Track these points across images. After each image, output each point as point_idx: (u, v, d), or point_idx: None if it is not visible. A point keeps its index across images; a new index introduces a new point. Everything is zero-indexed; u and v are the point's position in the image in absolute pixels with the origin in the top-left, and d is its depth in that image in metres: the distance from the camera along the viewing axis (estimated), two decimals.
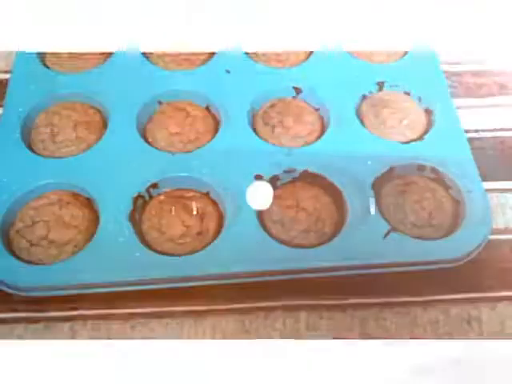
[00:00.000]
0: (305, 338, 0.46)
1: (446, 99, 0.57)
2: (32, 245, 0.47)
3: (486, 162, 0.54)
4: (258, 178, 0.50)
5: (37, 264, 0.46)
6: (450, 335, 0.46)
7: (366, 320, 0.46)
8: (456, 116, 0.55)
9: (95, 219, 0.49)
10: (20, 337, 0.46)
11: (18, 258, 0.47)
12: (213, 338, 0.46)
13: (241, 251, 0.46)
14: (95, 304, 0.47)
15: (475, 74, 0.63)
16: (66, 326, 0.46)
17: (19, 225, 0.48)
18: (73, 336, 0.46)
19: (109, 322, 0.46)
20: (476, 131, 0.57)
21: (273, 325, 0.46)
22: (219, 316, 0.47)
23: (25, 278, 0.45)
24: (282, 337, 0.46)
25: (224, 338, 0.46)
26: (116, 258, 0.46)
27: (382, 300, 0.47)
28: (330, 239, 0.48)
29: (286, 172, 0.51)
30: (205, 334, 0.46)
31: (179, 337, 0.46)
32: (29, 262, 0.46)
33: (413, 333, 0.46)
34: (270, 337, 0.46)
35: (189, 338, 0.46)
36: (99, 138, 0.54)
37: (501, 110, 0.60)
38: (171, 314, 0.47)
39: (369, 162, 0.51)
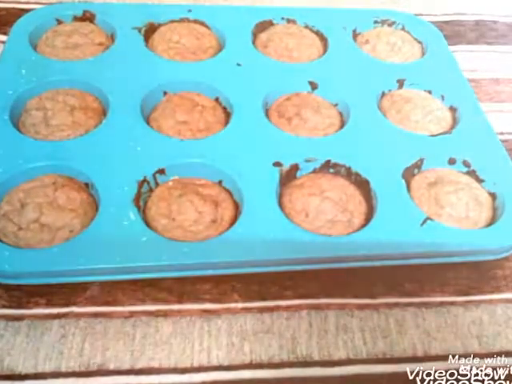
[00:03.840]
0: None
1: (470, 97, 0.54)
2: (20, 229, 0.41)
3: None
4: (277, 165, 0.46)
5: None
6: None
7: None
8: (482, 113, 0.53)
9: (94, 204, 0.43)
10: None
11: (3, 243, 0.40)
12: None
13: (261, 238, 0.41)
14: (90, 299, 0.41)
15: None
16: (55, 324, 0.39)
17: (5, 208, 0.42)
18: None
19: (105, 320, 0.40)
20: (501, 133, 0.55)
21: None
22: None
23: (11, 262, 0.38)
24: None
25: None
26: (119, 242, 0.40)
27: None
28: (359, 229, 0.43)
29: (306, 161, 0.47)
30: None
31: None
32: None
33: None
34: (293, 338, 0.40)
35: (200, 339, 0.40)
36: (99, 124, 0.49)
37: None
38: (179, 311, 0.41)
39: (396, 153, 0.48)
